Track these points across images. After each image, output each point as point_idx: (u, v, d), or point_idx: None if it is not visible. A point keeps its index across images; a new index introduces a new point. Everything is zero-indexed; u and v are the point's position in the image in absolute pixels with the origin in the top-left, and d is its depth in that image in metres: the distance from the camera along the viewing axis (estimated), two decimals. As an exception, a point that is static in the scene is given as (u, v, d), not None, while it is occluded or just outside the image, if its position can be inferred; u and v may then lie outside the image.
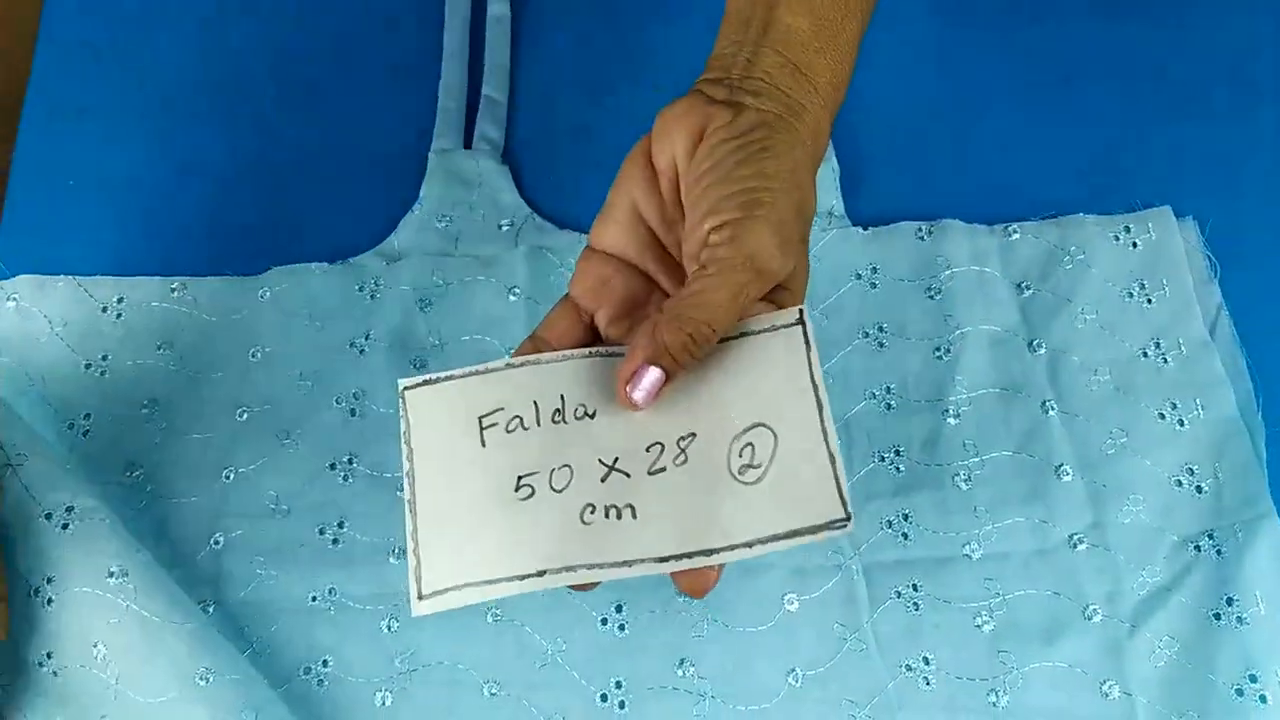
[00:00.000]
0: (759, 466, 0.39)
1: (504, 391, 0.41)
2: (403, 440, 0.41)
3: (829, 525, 0.38)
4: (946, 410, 0.54)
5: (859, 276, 0.58)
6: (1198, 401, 0.54)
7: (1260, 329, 0.56)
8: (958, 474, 0.53)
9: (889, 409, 0.55)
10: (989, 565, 0.51)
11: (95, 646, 0.47)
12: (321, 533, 0.53)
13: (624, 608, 0.51)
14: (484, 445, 0.40)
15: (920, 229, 0.59)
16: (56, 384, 0.56)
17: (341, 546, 0.52)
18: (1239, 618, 0.50)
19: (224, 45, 0.66)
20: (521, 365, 0.41)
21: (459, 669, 0.50)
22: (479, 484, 0.40)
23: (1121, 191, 0.59)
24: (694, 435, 0.40)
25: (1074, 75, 0.64)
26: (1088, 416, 0.54)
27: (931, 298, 0.57)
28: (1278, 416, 0.54)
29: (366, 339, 0.56)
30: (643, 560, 0.39)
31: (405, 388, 0.41)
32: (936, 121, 0.63)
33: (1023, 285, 0.57)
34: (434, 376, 0.41)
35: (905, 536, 0.52)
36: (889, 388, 0.55)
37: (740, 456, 0.40)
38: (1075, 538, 0.52)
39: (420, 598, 0.39)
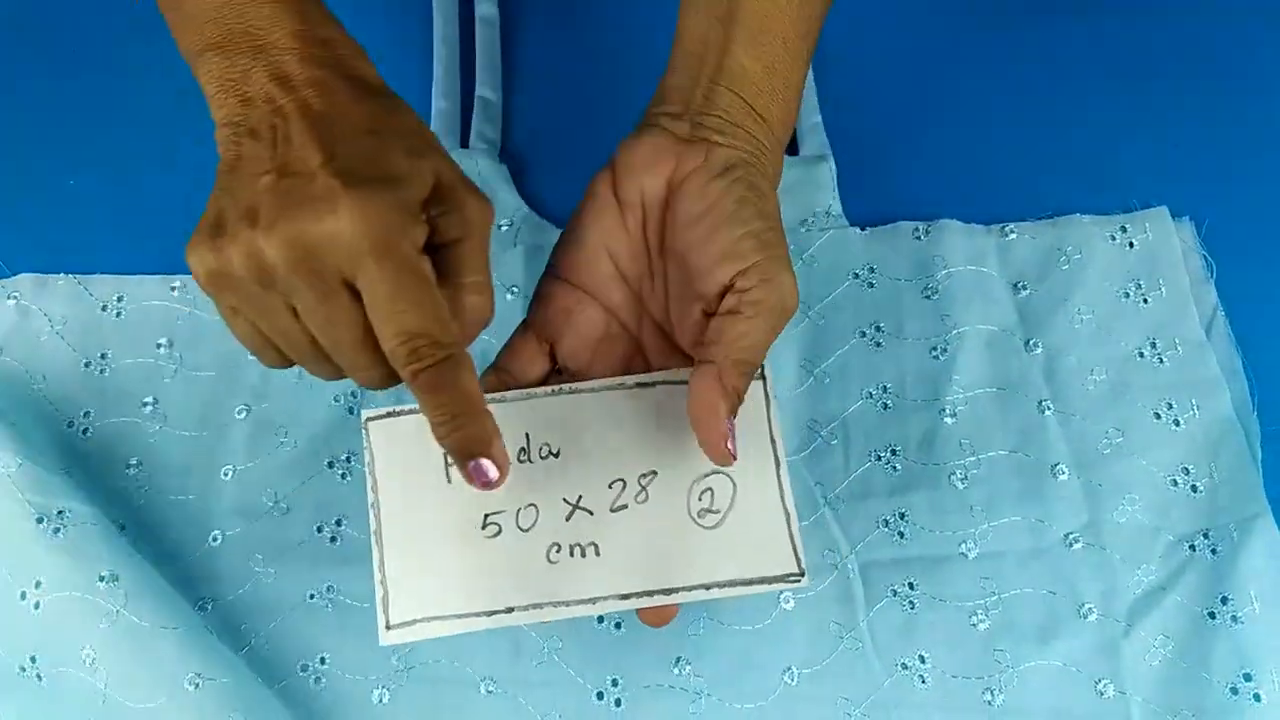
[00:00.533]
0: (718, 512, 0.41)
1: None
2: (367, 471, 0.42)
3: (784, 578, 0.41)
4: (943, 409, 0.55)
5: (856, 276, 0.58)
6: (1193, 401, 0.55)
7: (1256, 329, 0.56)
8: (954, 473, 0.53)
9: (886, 408, 0.55)
10: (985, 564, 0.51)
11: (84, 651, 0.47)
12: (319, 530, 0.53)
13: (620, 606, 0.51)
14: (449, 481, 0.41)
15: (917, 229, 0.59)
16: (56, 382, 0.56)
17: (339, 544, 0.52)
18: (1234, 617, 0.50)
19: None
20: (488, 403, 0.41)
21: (455, 667, 0.50)
22: (446, 520, 0.41)
23: (1118, 192, 0.60)
24: (655, 473, 0.41)
25: (1070, 75, 0.64)
26: (1084, 416, 0.54)
27: (928, 297, 0.57)
28: (1273, 416, 0.54)
29: (365, 338, 0.57)
30: (606, 598, 0.41)
31: (369, 419, 0.42)
32: (933, 122, 0.63)
33: (1019, 285, 0.57)
34: (399, 409, 0.42)
35: (901, 535, 0.52)
36: (886, 387, 0.55)
37: (700, 500, 0.41)
38: (1071, 537, 0.52)
39: (388, 628, 0.40)
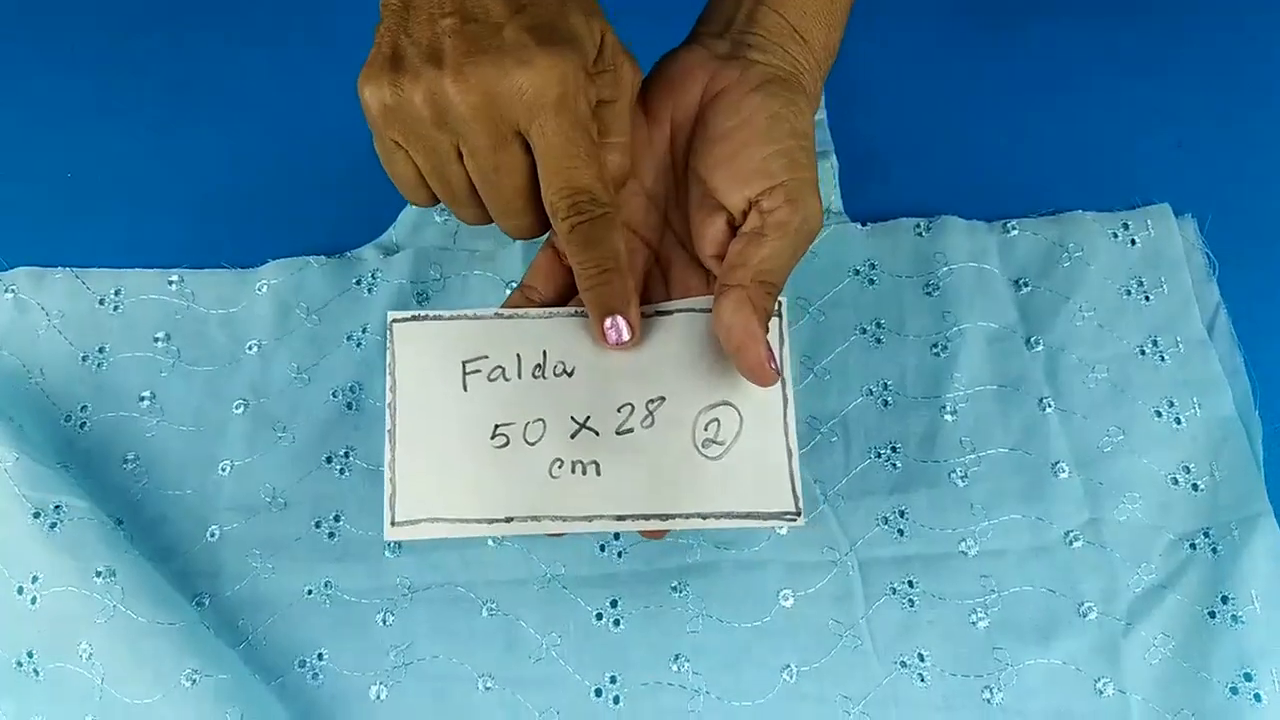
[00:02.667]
0: (722, 444, 0.42)
1: (490, 340, 0.43)
2: (387, 371, 0.43)
3: (780, 515, 0.41)
4: (944, 407, 0.54)
5: (857, 273, 0.58)
6: (1195, 400, 0.54)
7: (1258, 327, 0.56)
8: (954, 470, 0.53)
9: (886, 405, 0.55)
10: (985, 562, 0.51)
11: (81, 646, 0.47)
12: (317, 526, 0.53)
13: (619, 603, 0.51)
14: (465, 389, 0.42)
15: (919, 225, 0.58)
16: (54, 376, 0.56)
17: (337, 540, 0.52)
18: (1234, 616, 0.50)
19: (222, 38, 0.66)
20: (510, 317, 0.43)
21: (453, 663, 0.50)
22: (458, 426, 0.42)
23: (1120, 189, 0.59)
24: (663, 400, 0.42)
25: (1073, 72, 0.64)
26: (1085, 414, 0.54)
27: (930, 294, 0.57)
28: (1275, 415, 0.54)
29: (363, 332, 0.56)
30: (602, 517, 0.41)
31: (394, 320, 0.43)
32: (935, 118, 0.63)
33: (1021, 282, 0.57)
34: (423, 313, 0.43)
35: (901, 533, 0.52)
36: (886, 384, 0.55)
37: (705, 430, 0.42)
38: (1071, 535, 0.52)
39: (393, 524, 0.41)
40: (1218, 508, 0.52)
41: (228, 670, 0.48)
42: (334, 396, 0.55)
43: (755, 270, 0.40)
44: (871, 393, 0.55)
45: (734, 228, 0.41)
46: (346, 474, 0.54)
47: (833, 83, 0.64)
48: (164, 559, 0.51)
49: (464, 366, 0.42)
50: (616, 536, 0.52)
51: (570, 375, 0.42)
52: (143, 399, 0.55)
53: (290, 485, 0.54)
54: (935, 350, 0.56)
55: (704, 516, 0.41)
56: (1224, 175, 0.60)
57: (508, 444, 0.42)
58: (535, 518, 0.41)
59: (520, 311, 0.43)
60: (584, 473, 0.42)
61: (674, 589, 0.51)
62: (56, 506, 0.49)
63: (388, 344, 0.43)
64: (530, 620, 0.51)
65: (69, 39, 0.66)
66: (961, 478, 0.53)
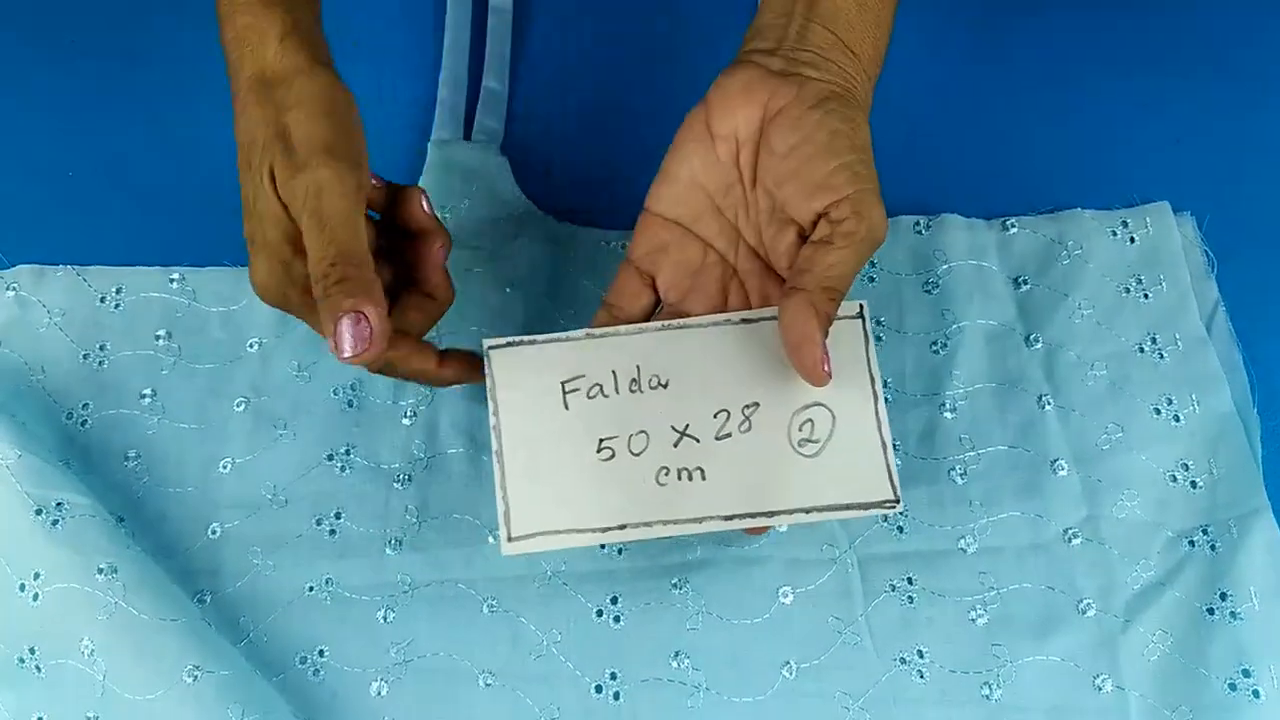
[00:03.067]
0: (817, 441, 0.44)
1: (584, 360, 0.45)
2: (489, 396, 0.45)
3: (879, 504, 0.44)
4: (943, 404, 0.54)
5: (856, 270, 0.58)
6: (1194, 397, 0.54)
7: (1257, 325, 0.56)
8: (953, 468, 0.53)
9: (886, 402, 0.54)
10: (984, 559, 0.51)
11: (83, 643, 0.48)
12: (318, 523, 0.53)
13: (619, 599, 0.51)
14: (567, 408, 0.45)
15: (918, 223, 0.58)
16: (55, 374, 0.56)
17: (338, 537, 0.52)
18: (1233, 613, 0.50)
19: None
20: (601, 336, 0.46)
21: (454, 659, 0.50)
22: (563, 442, 0.44)
23: (1119, 186, 0.59)
24: (758, 405, 0.44)
25: (1072, 69, 0.64)
26: (1084, 411, 0.54)
27: (929, 292, 0.57)
28: (1273, 412, 0.54)
29: (364, 330, 0.56)
30: (712, 518, 0.44)
31: (490, 347, 0.46)
32: (934, 115, 0.63)
33: (1020, 280, 0.57)
34: (517, 340, 0.46)
35: (900, 530, 0.52)
36: (886, 381, 0.55)
37: (800, 430, 0.44)
38: (1070, 532, 0.52)
39: (510, 539, 0.44)
40: (1216, 505, 0.52)
41: (229, 667, 0.48)
42: (335, 394, 0.55)
43: (820, 276, 0.42)
44: (871, 390, 0.55)
45: (804, 238, 0.43)
46: (347, 471, 0.54)
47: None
48: (165, 556, 0.51)
49: (563, 386, 0.45)
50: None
51: (665, 387, 0.45)
52: (144, 396, 0.55)
53: (291, 482, 0.54)
54: (934, 348, 0.56)
55: (807, 511, 0.43)
56: (1223, 173, 0.61)
57: (613, 456, 0.44)
58: (647, 523, 0.44)
59: (610, 330, 0.46)
60: (689, 478, 0.44)
61: (674, 586, 0.51)
62: (58, 503, 0.50)
63: (486, 370, 0.45)
64: (531, 617, 0.51)
65: (70, 35, 0.66)
66: (961, 475, 0.53)
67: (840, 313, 0.44)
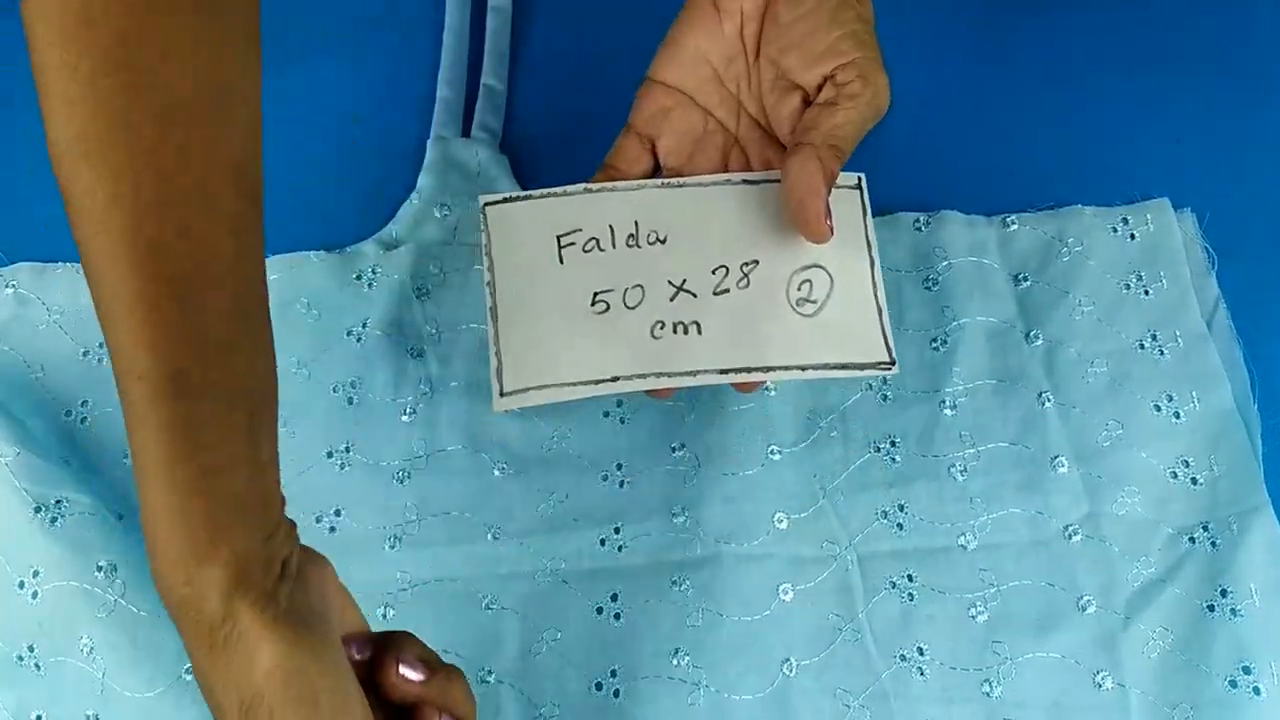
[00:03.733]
0: (815, 302, 0.44)
1: (581, 214, 0.45)
2: (483, 253, 0.45)
3: (875, 365, 0.44)
4: (943, 401, 0.54)
5: (856, 267, 0.58)
6: (1194, 394, 0.54)
7: (1257, 322, 0.56)
8: (954, 465, 0.53)
9: (885, 399, 0.55)
10: (984, 556, 0.51)
11: (82, 640, 0.48)
12: (318, 521, 0.53)
13: (619, 596, 0.51)
14: (562, 262, 0.44)
15: (918, 219, 0.58)
16: (55, 371, 0.56)
17: (337, 534, 0.52)
18: (1233, 610, 0.50)
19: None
20: (599, 191, 0.45)
21: (455, 658, 0.50)
22: (557, 297, 0.44)
23: (1120, 183, 0.59)
24: (756, 263, 0.44)
25: (1073, 66, 0.64)
26: (1084, 408, 0.54)
27: (929, 289, 0.57)
28: (1274, 409, 0.54)
29: (364, 327, 0.56)
30: (706, 371, 0.43)
31: (486, 203, 0.45)
32: (935, 112, 0.63)
33: (1020, 276, 0.57)
34: (513, 195, 0.45)
35: (900, 527, 0.52)
36: (885, 378, 0.55)
37: (798, 290, 0.44)
38: (1070, 529, 0.52)
39: (501, 395, 0.43)
40: (1216, 502, 0.52)
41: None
42: (334, 392, 0.55)
43: (826, 134, 0.42)
44: (871, 387, 0.55)
45: (808, 104, 0.44)
46: (347, 469, 0.54)
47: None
48: (165, 554, 0.51)
49: (558, 240, 0.44)
50: (617, 530, 0.52)
51: (663, 243, 0.45)
52: (143, 394, 0.55)
53: (290, 480, 0.53)
54: (934, 344, 0.56)
55: (803, 368, 0.43)
56: (1223, 170, 0.60)
57: (608, 309, 0.44)
58: (640, 375, 0.43)
59: (609, 185, 0.45)
60: (685, 332, 0.44)
61: (674, 583, 0.51)
62: (58, 501, 0.49)
63: (481, 227, 0.45)
64: (530, 614, 0.51)
65: (69, 35, 0.66)
66: (961, 472, 0.53)
67: (839, 182, 0.45)
